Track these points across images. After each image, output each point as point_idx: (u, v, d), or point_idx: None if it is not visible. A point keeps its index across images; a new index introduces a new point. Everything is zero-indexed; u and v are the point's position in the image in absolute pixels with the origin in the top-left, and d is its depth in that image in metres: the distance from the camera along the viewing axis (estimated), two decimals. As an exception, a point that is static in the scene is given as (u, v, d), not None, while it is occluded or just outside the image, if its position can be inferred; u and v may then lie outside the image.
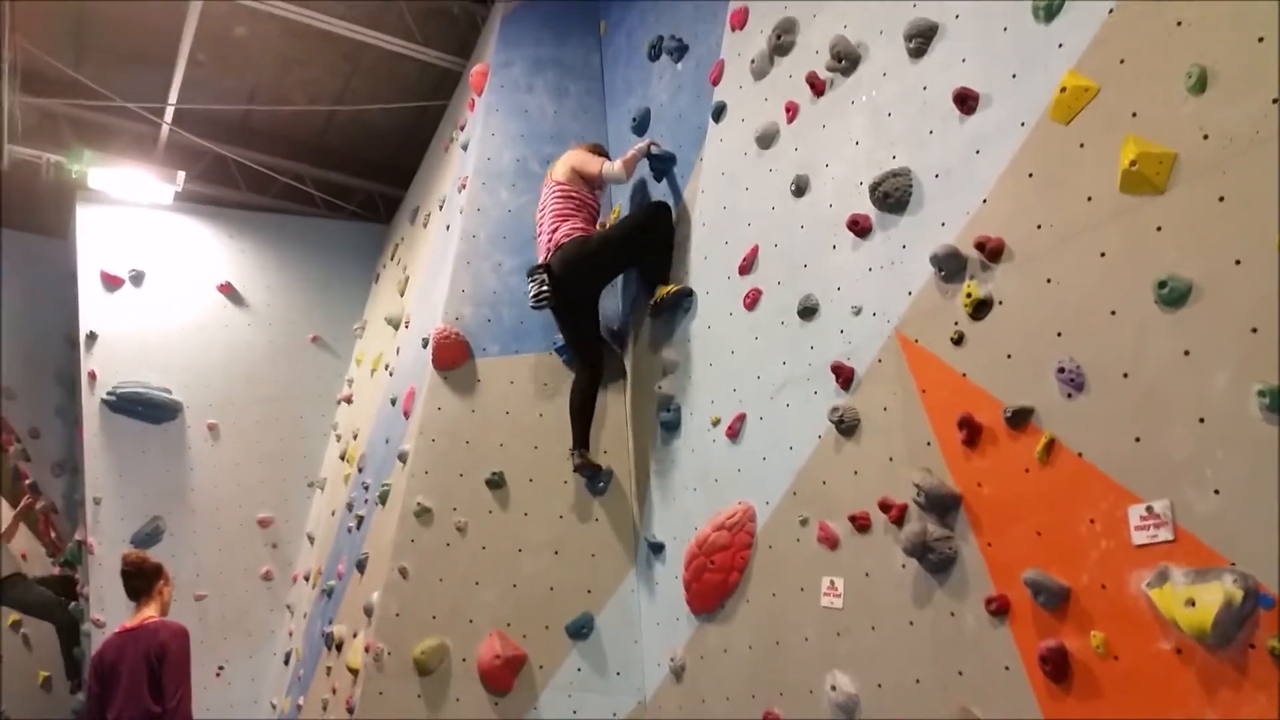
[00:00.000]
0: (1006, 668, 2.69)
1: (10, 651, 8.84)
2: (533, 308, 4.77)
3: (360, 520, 5.60)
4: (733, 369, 4.13)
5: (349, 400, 7.31)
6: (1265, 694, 2.10)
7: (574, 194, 4.86)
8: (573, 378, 4.88)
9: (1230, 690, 2.17)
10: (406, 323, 6.13)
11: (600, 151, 5.18)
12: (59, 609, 7.23)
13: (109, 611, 6.84)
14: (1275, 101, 2.22)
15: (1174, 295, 2.36)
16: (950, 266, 2.99)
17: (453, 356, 5.03)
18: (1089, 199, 2.63)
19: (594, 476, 4.77)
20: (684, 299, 4.54)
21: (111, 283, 7.53)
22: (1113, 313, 2.52)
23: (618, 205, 5.32)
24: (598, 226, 4.94)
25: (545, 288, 4.66)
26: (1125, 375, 2.47)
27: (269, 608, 7.15)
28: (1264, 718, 2.09)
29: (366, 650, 4.55)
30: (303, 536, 7.30)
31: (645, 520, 4.68)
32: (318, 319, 7.88)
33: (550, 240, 4.78)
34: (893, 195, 3.26)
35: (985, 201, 2.95)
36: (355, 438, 6.58)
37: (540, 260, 4.80)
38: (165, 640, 4.23)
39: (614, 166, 4.88)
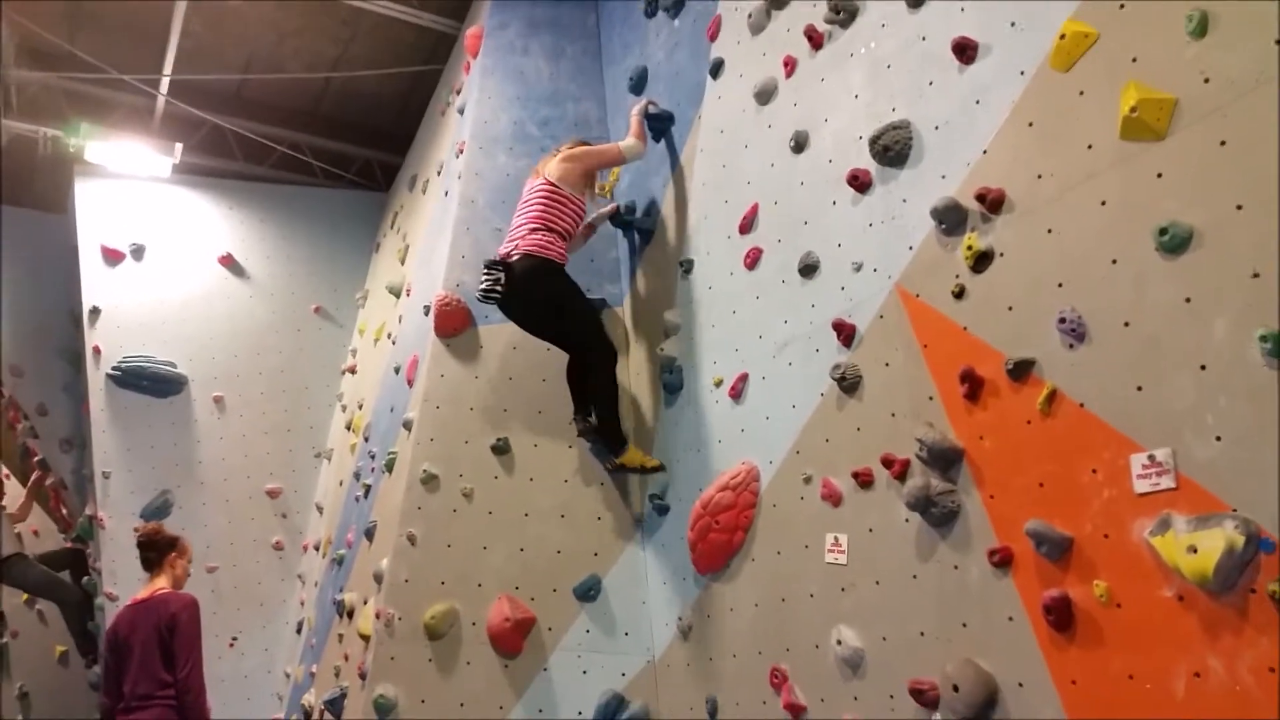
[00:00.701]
0: (1010, 619, 2.71)
1: (26, 627, 8.95)
2: (479, 299, 4.57)
3: (368, 489, 5.63)
4: (734, 329, 4.13)
5: (353, 370, 7.33)
6: (1266, 638, 2.10)
7: (561, 197, 4.56)
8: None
9: (1232, 635, 2.17)
10: (408, 291, 6.12)
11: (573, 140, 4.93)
12: (61, 587, 7.27)
13: (121, 585, 6.91)
14: (1277, 43, 2.19)
15: (1175, 242, 2.34)
16: (951, 219, 2.97)
17: (454, 323, 5.03)
18: (1089, 147, 2.61)
19: (598, 441, 4.69)
20: (650, 473, 4.55)
21: (112, 257, 7.52)
22: (1114, 261, 2.50)
23: (615, 171, 5.28)
24: (582, 228, 4.76)
25: (499, 286, 4.42)
26: (1126, 324, 2.46)
27: (280, 577, 7.22)
28: (1265, 661, 2.10)
29: (377, 616, 4.59)
30: (311, 506, 7.35)
31: (650, 482, 4.69)
32: (319, 289, 7.88)
33: (520, 242, 4.51)
34: (892, 149, 3.23)
35: (985, 152, 2.92)
36: (360, 407, 6.60)
37: (500, 255, 4.56)
38: (175, 611, 4.27)
39: (629, 141, 4.69)
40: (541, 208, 4.55)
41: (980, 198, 2.88)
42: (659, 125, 4.83)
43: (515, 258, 4.48)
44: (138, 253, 7.57)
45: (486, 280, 4.48)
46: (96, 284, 7.45)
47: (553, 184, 4.59)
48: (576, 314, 4.60)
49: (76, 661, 8.67)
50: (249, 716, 6.82)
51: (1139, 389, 2.41)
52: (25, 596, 8.89)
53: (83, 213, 7.61)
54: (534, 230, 4.51)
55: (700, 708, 4.09)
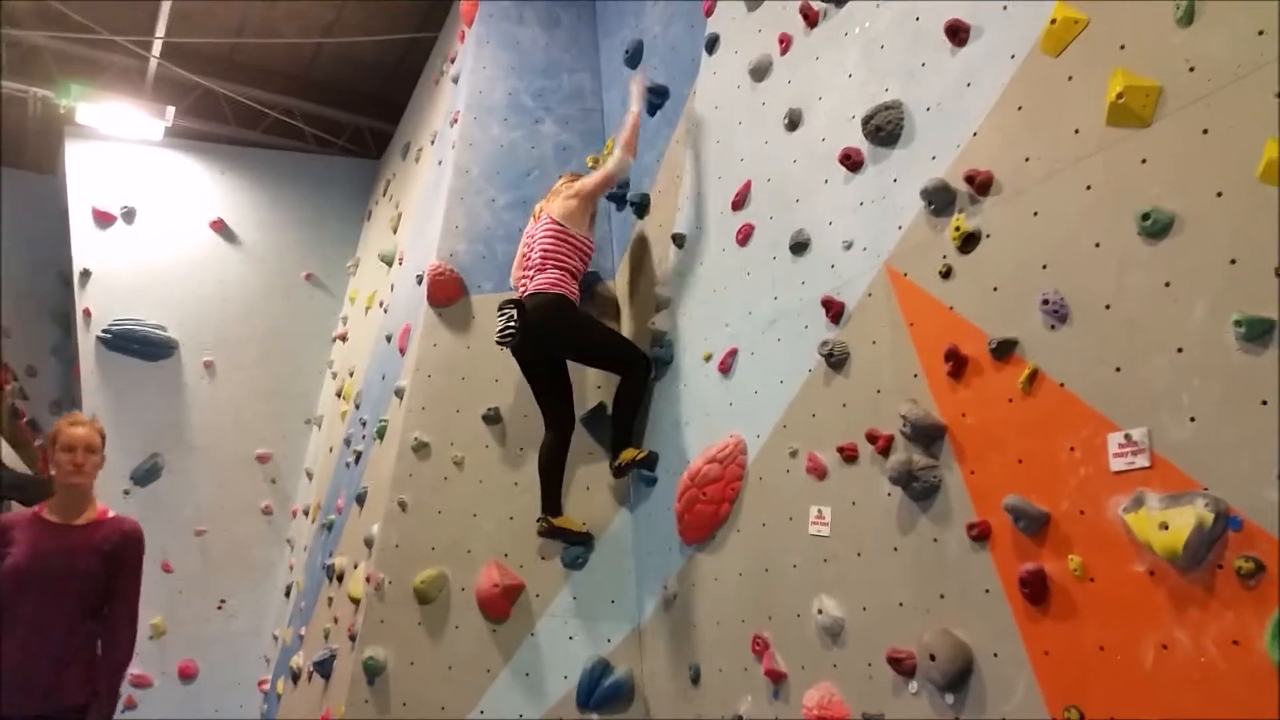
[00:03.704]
0: (987, 590, 2.78)
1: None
2: (497, 343, 4.47)
3: (358, 456, 5.68)
4: (725, 304, 4.17)
5: (344, 338, 7.35)
6: (1232, 612, 2.18)
7: (568, 237, 4.56)
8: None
9: (1199, 609, 2.25)
10: (400, 259, 6.14)
11: (576, 174, 4.89)
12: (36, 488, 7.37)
13: (112, 545, 6.95)
14: (1261, 33, 2.24)
15: (1156, 227, 2.40)
16: (940, 200, 3.02)
17: (447, 293, 5.06)
18: (1076, 132, 2.65)
19: (570, 542, 4.62)
20: (649, 466, 4.52)
21: (103, 219, 7.51)
22: (1097, 245, 2.56)
23: (612, 138, 5.30)
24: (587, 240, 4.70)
25: (514, 324, 4.37)
26: (1107, 307, 2.52)
27: (269, 542, 7.28)
28: (1229, 634, 2.18)
29: (368, 580, 4.66)
30: (301, 472, 7.39)
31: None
32: (310, 256, 7.88)
33: (532, 282, 4.52)
34: (884, 128, 3.27)
35: (975, 134, 2.97)
36: (351, 375, 6.64)
37: (517, 296, 4.56)
38: None
39: (617, 156, 4.62)
40: (551, 247, 4.55)
41: (969, 179, 2.93)
42: (654, 100, 4.85)
43: (527, 296, 4.48)
44: (129, 216, 7.56)
45: (500, 321, 4.41)
46: (87, 246, 7.44)
47: (559, 224, 4.58)
48: (602, 340, 4.64)
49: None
50: (236, 678, 6.91)
51: (1117, 370, 2.47)
52: None
53: (73, 175, 7.58)
54: (543, 270, 4.51)
55: (683, 673, 4.18)
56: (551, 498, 4.57)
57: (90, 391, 7.19)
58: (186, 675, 6.90)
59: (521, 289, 4.57)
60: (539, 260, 4.54)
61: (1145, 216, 2.42)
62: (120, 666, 3.60)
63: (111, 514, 3.73)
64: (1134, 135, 2.50)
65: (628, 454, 4.54)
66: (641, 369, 4.59)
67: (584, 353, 4.68)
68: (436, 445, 4.81)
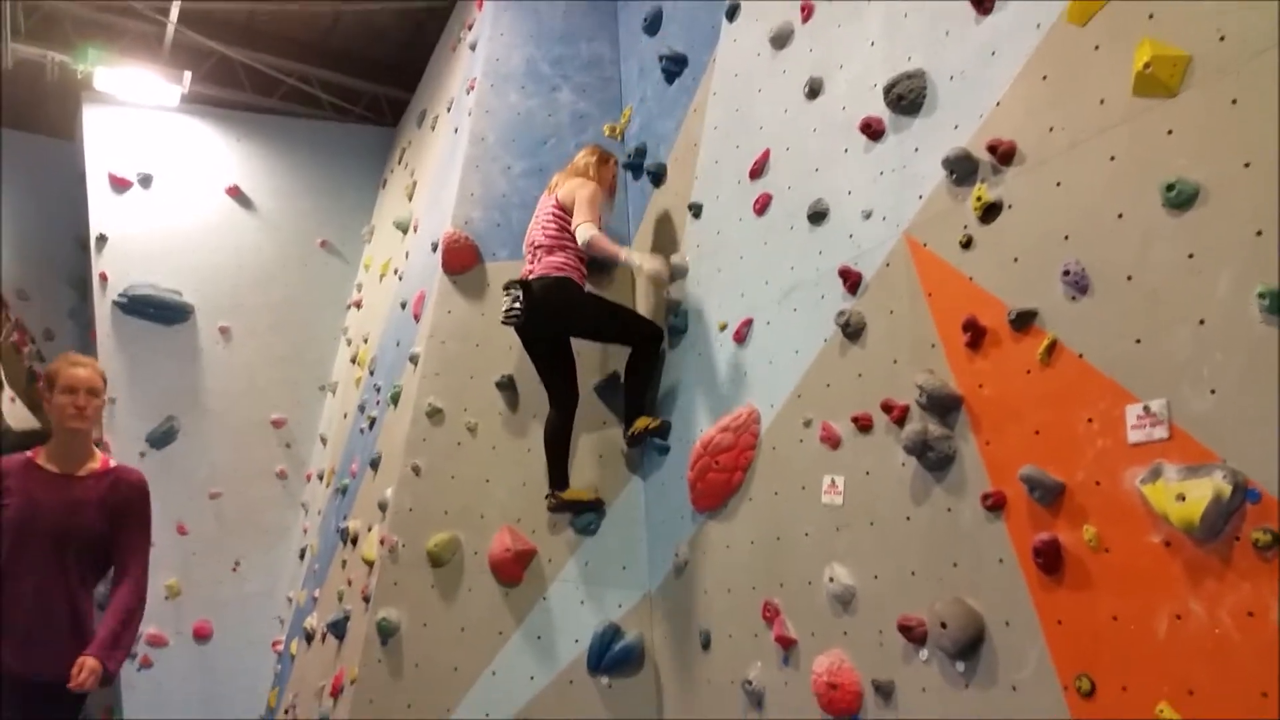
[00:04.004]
0: (1000, 560, 2.80)
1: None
2: (502, 323, 4.53)
3: (372, 421, 5.72)
4: (741, 274, 4.17)
5: (359, 305, 7.37)
6: (1247, 583, 2.19)
7: (568, 226, 4.53)
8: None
9: (1215, 580, 2.26)
10: (415, 227, 6.14)
11: (604, 156, 4.74)
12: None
13: (128, 507, 7.02)
14: (1294, 2, 2.21)
15: (1181, 198, 2.38)
16: (962, 169, 3.00)
17: (462, 261, 5.07)
18: (1101, 102, 2.63)
19: (579, 512, 4.65)
20: (663, 435, 4.53)
21: (120, 185, 7.51)
22: (1120, 216, 2.55)
23: (629, 106, 5.28)
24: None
25: (519, 305, 4.41)
26: (1129, 278, 2.51)
27: (283, 506, 7.33)
28: (1244, 606, 2.19)
29: (381, 543, 4.70)
30: (315, 438, 7.44)
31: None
32: (325, 223, 7.88)
33: (538, 262, 4.54)
34: (906, 97, 3.25)
35: (999, 104, 2.95)
36: (366, 341, 6.66)
37: (521, 275, 4.59)
38: None
39: (589, 232, 4.37)
40: (555, 229, 4.55)
41: (992, 149, 2.91)
42: (672, 68, 4.82)
43: (534, 278, 4.49)
44: (145, 181, 7.56)
45: (506, 300, 4.47)
46: (104, 211, 7.45)
47: (560, 209, 4.57)
48: (610, 315, 4.65)
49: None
50: (250, 638, 6.99)
51: (1138, 342, 2.47)
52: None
53: (90, 140, 7.58)
54: (550, 251, 4.51)
55: (693, 639, 4.22)
56: (558, 472, 4.60)
57: (106, 355, 7.22)
58: (201, 636, 6.98)
59: (529, 270, 4.57)
60: (546, 241, 4.55)
61: (1170, 187, 2.40)
62: (132, 622, 3.42)
63: (114, 464, 3.49)
64: (1160, 105, 2.48)
65: (641, 422, 4.55)
66: (652, 340, 4.60)
67: (593, 331, 4.70)
68: (450, 411, 4.84)
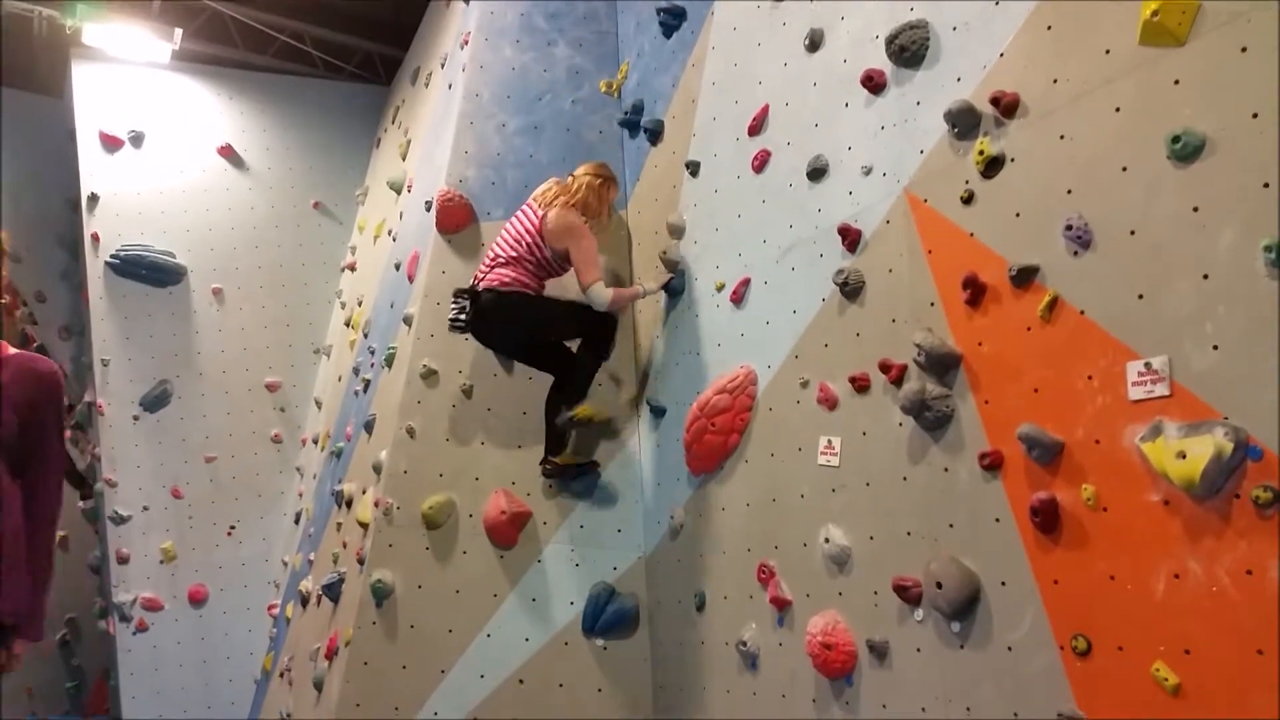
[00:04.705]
0: (997, 520, 2.77)
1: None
2: (449, 329, 4.51)
3: (367, 384, 5.68)
4: (739, 233, 4.11)
5: (352, 267, 7.31)
6: (1246, 541, 2.16)
7: (540, 250, 4.37)
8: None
9: (1213, 538, 2.23)
10: (409, 186, 6.07)
11: (606, 182, 4.56)
12: None
13: (121, 471, 7.01)
14: (1309, -55, 2.14)
15: (1187, 150, 2.33)
16: (964, 123, 2.93)
17: (456, 220, 5.00)
18: (1107, 52, 2.57)
19: (576, 475, 4.59)
20: (582, 470, 4.55)
21: (110, 143, 7.42)
22: (1124, 169, 2.49)
23: (626, 61, 5.18)
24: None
25: (464, 316, 4.35)
26: (1132, 232, 2.46)
27: (278, 469, 7.32)
28: (1243, 564, 2.16)
29: (376, 505, 4.68)
30: (310, 401, 7.41)
31: (648, 384, 4.74)
32: (318, 184, 7.79)
33: (489, 272, 4.39)
34: (909, 49, 3.18)
35: (1002, 55, 2.88)
36: (360, 304, 6.60)
37: (472, 283, 4.43)
38: None
39: (605, 294, 4.30)
40: (520, 248, 4.39)
41: (995, 101, 2.84)
42: (670, 21, 4.73)
43: (481, 289, 4.36)
44: (136, 140, 7.47)
45: (453, 309, 4.40)
46: (95, 170, 7.37)
47: (541, 234, 4.37)
48: (565, 321, 4.50)
49: (76, 544, 8.84)
50: (246, 602, 7.00)
51: (1140, 297, 2.42)
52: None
53: (80, 97, 7.48)
54: (514, 266, 4.37)
55: (689, 601, 4.21)
56: (552, 439, 4.55)
57: (98, 317, 7.18)
58: (196, 599, 7.00)
59: (479, 276, 4.42)
60: (509, 251, 4.40)
61: (1176, 139, 2.35)
62: (47, 577, 2.84)
63: (13, 351, 2.87)
64: (1167, 55, 2.41)
65: (585, 410, 4.44)
66: (608, 338, 4.52)
67: (534, 354, 4.58)
68: (445, 373, 4.80)
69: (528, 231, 4.41)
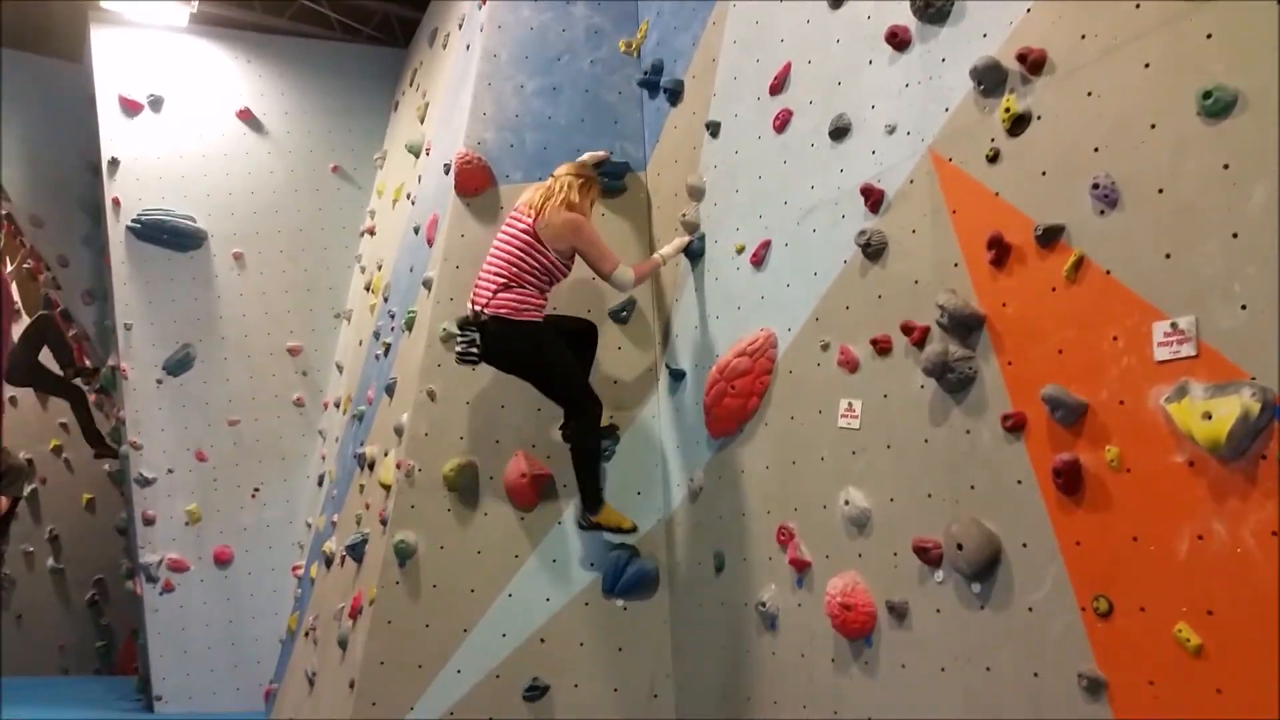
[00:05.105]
0: (1019, 482, 2.76)
1: (54, 474, 9.25)
2: (457, 361, 4.33)
3: (388, 347, 5.70)
4: (760, 195, 4.08)
5: (372, 232, 7.31)
6: (1272, 502, 2.15)
7: (541, 256, 4.20)
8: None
9: (1238, 499, 2.22)
10: (427, 149, 6.05)
11: (588, 182, 4.36)
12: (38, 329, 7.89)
13: (145, 434, 7.10)
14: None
15: (1218, 106, 2.29)
16: (990, 80, 2.89)
17: (475, 183, 4.98)
18: (1136, 6, 2.52)
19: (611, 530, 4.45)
20: (624, 534, 4.43)
21: (130, 108, 7.43)
22: (1153, 126, 2.45)
23: (645, 20, 5.12)
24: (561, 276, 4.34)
25: (475, 349, 4.21)
26: (1160, 191, 2.42)
27: (300, 433, 7.38)
28: (1268, 525, 2.15)
29: (398, 467, 4.71)
30: (331, 365, 7.45)
31: (667, 348, 4.73)
32: (337, 148, 7.77)
33: (492, 297, 4.18)
34: (934, 5, 3.12)
35: (1029, 11, 2.82)
36: (379, 268, 6.61)
37: (472, 309, 4.24)
38: None
39: (627, 274, 4.25)
40: (521, 258, 4.21)
41: (1021, 58, 2.80)
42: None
43: (486, 319, 4.19)
44: (156, 104, 7.47)
45: (461, 343, 4.26)
46: (115, 135, 7.37)
47: (536, 238, 4.20)
48: (553, 374, 4.36)
49: (104, 507, 9.01)
50: (270, 563, 7.10)
51: (1167, 256, 2.40)
52: (53, 444, 9.19)
53: (99, 62, 7.47)
54: (507, 286, 4.18)
55: (708, 563, 4.23)
56: (590, 492, 4.41)
57: (121, 281, 7.23)
58: (222, 560, 7.10)
59: (484, 303, 4.20)
60: (507, 274, 4.20)
61: (1207, 95, 2.31)
62: None
63: None
64: (1200, 9, 2.36)
65: (610, 518, 4.39)
66: (587, 411, 4.37)
67: (538, 380, 4.44)
68: (465, 336, 4.80)
69: (524, 242, 4.22)
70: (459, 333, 4.32)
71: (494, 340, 4.22)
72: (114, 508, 8.49)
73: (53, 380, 8.39)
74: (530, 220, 4.24)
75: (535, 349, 4.30)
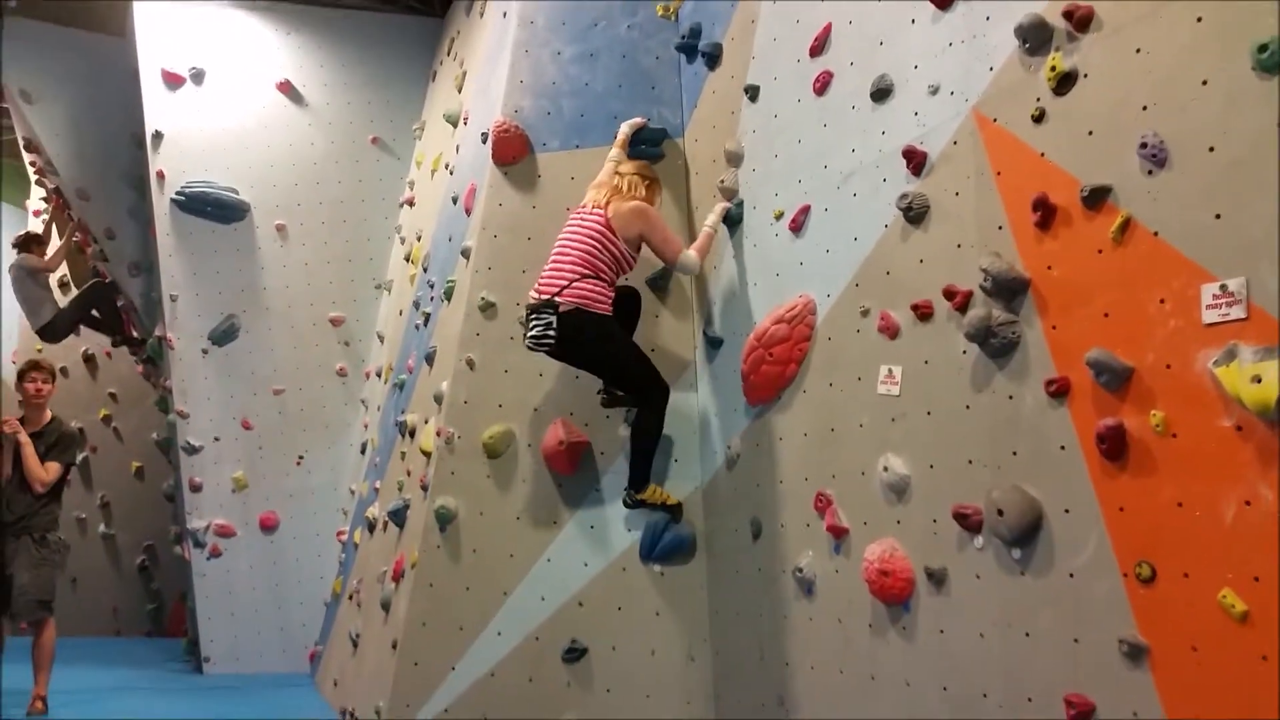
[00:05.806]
0: (1062, 447, 2.73)
1: (104, 443, 9.47)
2: (528, 347, 4.33)
3: (427, 317, 5.75)
4: (799, 159, 4.04)
5: (411, 203, 7.35)
6: (1323, 466, 2.10)
7: (614, 242, 4.28)
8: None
9: (1288, 464, 2.18)
10: (465, 119, 6.05)
11: (654, 184, 4.49)
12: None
13: (191, 403, 7.23)
14: None
15: (1273, 60, 2.21)
16: (1036, 38, 2.83)
17: (513, 151, 4.99)
18: (1190, -42, 2.44)
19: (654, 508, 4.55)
20: (674, 516, 4.53)
21: (173, 81, 7.50)
22: (1204, 82, 2.38)
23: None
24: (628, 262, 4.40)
25: (551, 332, 4.18)
26: (1211, 149, 2.36)
27: (343, 402, 7.48)
28: (1319, 490, 2.10)
29: (438, 434, 4.77)
30: (373, 335, 7.53)
31: (705, 315, 4.72)
32: (376, 119, 7.80)
33: (567, 286, 4.22)
34: (977, -38, 3.06)
35: (1077, -34, 2.75)
36: (419, 239, 6.66)
37: (544, 295, 4.25)
38: None
39: (692, 256, 4.35)
40: (593, 249, 4.27)
41: (1068, 15, 2.73)
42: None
43: (564, 308, 4.20)
44: (197, 77, 7.54)
45: (537, 326, 4.23)
46: (158, 108, 7.46)
47: (610, 228, 4.29)
48: (626, 364, 4.42)
49: (152, 474, 9.20)
50: (315, 529, 7.23)
51: (1217, 217, 2.34)
52: (102, 414, 9.40)
53: (142, 36, 7.54)
54: (584, 277, 4.23)
55: (745, 529, 4.24)
56: (639, 471, 4.48)
57: (166, 253, 7.34)
58: (268, 526, 7.23)
59: (558, 290, 4.23)
60: (578, 263, 4.26)
61: (1262, 48, 2.24)
62: None
63: None
64: (1256, -42, 2.29)
65: (655, 495, 4.48)
66: (657, 399, 4.42)
67: (605, 369, 4.51)
68: (503, 305, 4.83)
69: (599, 233, 4.28)
70: (531, 316, 4.27)
71: (569, 330, 4.21)
72: (162, 475, 8.67)
73: (80, 317, 8.54)
74: (603, 213, 4.30)
75: (607, 340, 4.35)
